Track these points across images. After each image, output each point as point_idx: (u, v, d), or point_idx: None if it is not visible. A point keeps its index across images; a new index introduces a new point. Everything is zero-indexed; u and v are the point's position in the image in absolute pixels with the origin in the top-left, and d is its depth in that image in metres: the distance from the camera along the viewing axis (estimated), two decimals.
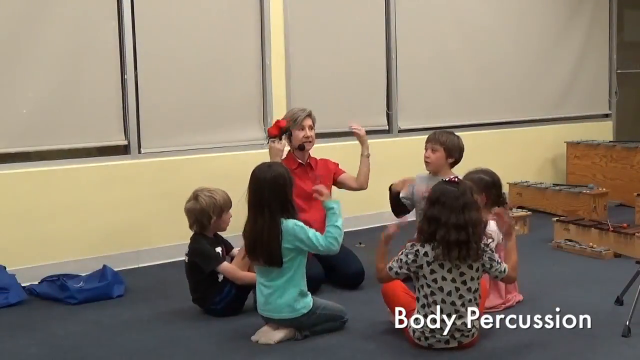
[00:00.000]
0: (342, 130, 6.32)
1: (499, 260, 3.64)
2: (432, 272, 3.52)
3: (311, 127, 4.90)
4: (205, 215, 4.23)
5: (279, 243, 3.66)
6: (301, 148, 4.88)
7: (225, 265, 4.18)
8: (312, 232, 3.70)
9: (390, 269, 3.64)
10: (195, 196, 4.27)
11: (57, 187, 5.09)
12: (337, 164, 5.07)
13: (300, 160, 4.89)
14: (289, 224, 3.69)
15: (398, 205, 4.86)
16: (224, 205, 4.26)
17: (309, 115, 4.91)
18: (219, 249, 4.28)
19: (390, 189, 4.83)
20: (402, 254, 3.62)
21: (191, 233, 4.33)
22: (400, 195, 4.88)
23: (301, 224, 3.72)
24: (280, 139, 4.71)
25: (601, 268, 5.07)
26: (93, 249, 5.16)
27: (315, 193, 3.88)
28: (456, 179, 3.60)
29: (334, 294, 4.41)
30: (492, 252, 3.63)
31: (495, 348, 3.63)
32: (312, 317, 3.78)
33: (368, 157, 4.98)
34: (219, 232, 4.39)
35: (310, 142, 4.89)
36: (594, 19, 8.19)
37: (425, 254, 3.53)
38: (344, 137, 6.40)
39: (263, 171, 3.75)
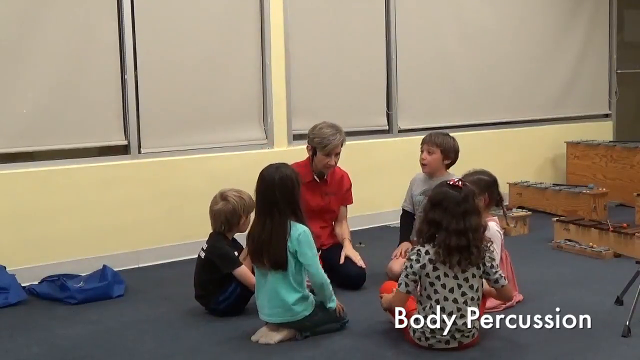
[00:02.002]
0: (345, 130, 6.33)
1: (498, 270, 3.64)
2: (435, 269, 3.52)
3: (338, 154, 4.64)
4: (236, 215, 4.20)
5: (286, 246, 3.65)
6: (320, 175, 4.73)
7: (242, 269, 4.13)
8: (315, 258, 3.70)
9: (399, 285, 3.60)
10: (224, 197, 4.23)
11: (57, 187, 5.08)
12: (350, 187, 4.91)
13: (316, 177, 4.74)
14: (299, 229, 3.67)
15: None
16: (251, 206, 4.19)
17: (342, 142, 4.62)
18: (235, 253, 4.25)
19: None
20: (405, 261, 3.60)
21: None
22: (403, 205, 4.89)
23: (310, 236, 3.69)
24: None
25: (601, 268, 5.07)
26: (93, 249, 5.16)
27: None
28: (459, 183, 3.60)
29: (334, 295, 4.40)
30: (492, 252, 3.63)
31: (495, 348, 3.63)
32: (313, 318, 3.78)
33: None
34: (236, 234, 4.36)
35: (330, 168, 4.71)
36: (594, 19, 8.19)
37: (427, 252, 3.53)
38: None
39: (271, 173, 3.72)
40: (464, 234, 3.46)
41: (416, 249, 3.57)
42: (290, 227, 3.66)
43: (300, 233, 3.66)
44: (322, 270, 3.77)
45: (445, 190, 3.56)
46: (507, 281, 3.67)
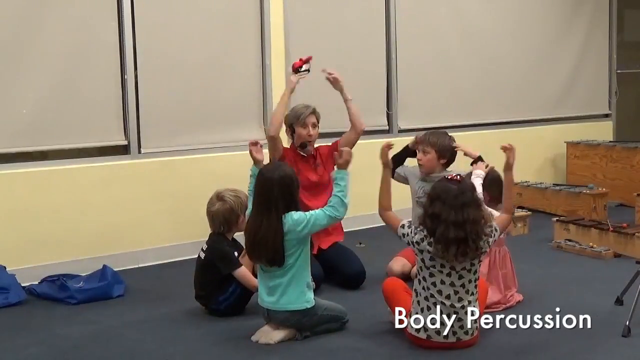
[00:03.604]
0: (343, 130, 6.33)
1: (492, 230, 3.63)
2: (432, 275, 3.55)
3: (314, 125, 4.84)
4: (234, 214, 4.22)
5: (282, 242, 3.66)
6: (303, 146, 4.84)
7: (242, 270, 4.14)
8: (310, 213, 3.71)
9: (403, 226, 3.67)
10: (220, 197, 4.25)
11: (57, 187, 5.08)
12: (328, 145, 4.98)
13: (302, 154, 4.85)
14: (288, 218, 3.69)
15: (399, 163, 4.85)
16: (247, 203, 4.23)
17: (313, 112, 4.85)
18: (235, 253, 4.25)
19: (407, 146, 4.85)
20: (414, 226, 3.64)
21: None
22: (396, 173, 4.85)
23: (300, 212, 3.72)
24: (297, 72, 4.77)
25: (601, 268, 5.07)
26: (93, 249, 5.16)
27: (336, 154, 3.87)
28: (457, 177, 3.62)
29: (334, 294, 4.40)
30: (494, 230, 3.65)
31: (495, 348, 3.63)
32: (313, 318, 3.78)
33: (350, 100, 4.88)
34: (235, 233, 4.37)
35: (311, 140, 4.86)
36: (594, 19, 8.19)
37: (430, 243, 3.55)
38: None
39: (271, 171, 3.75)
40: (462, 225, 3.47)
41: (424, 232, 3.57)
42: (283, 221, 3.67)
43: (290, 219, 3.67)
44: (323, 213, 3.72)
45: (443, 184, 3.59)
46: (496, 227, 3.68)
